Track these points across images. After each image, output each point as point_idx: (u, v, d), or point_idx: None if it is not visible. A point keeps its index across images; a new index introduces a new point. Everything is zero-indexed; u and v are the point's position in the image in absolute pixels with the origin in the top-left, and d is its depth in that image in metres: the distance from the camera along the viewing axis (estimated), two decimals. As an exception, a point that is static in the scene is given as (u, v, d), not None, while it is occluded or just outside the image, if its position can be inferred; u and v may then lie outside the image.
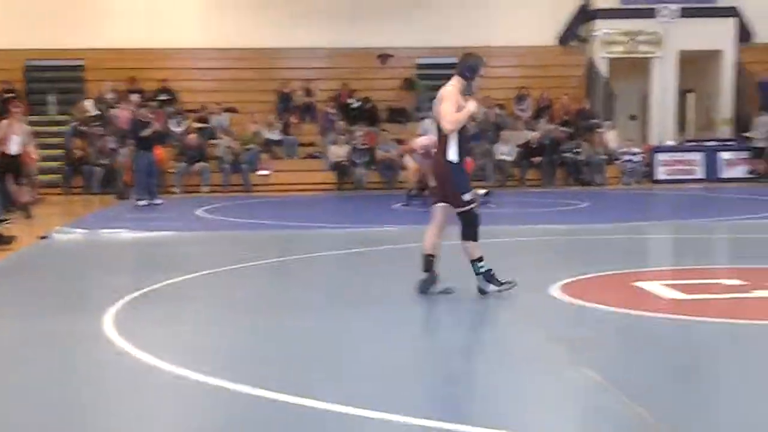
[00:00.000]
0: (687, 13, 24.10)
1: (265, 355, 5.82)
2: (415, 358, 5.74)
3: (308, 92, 24.10)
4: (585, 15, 25.08)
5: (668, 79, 24.59)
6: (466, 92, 7.47)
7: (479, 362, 5.60)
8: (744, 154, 22.85)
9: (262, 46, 24.39)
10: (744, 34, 24.83)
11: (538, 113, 23.92)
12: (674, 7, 24.12)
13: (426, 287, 7.55)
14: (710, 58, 24.76)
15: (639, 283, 7.96)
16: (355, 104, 23.94)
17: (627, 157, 22.54)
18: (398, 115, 23.90)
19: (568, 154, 22.54)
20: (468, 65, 7.48)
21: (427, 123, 19.56)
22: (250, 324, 6.72)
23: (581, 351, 5.77)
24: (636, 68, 24.92)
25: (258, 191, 20.98)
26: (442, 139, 7.44)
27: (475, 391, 4.94)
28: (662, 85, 24.58)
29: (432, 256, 7.58)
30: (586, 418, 4.50)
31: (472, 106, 7.32)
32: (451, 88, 7.42)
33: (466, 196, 7.39)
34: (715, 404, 4.66)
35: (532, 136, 22.56)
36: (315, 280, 9.09)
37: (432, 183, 7.89)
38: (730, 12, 24.41)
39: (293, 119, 23.55)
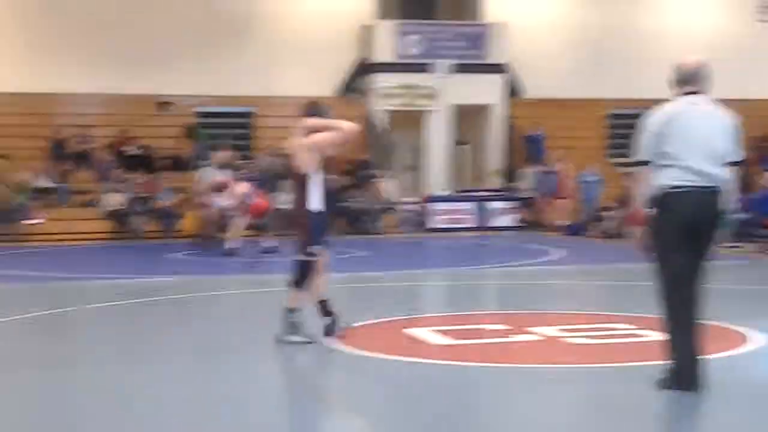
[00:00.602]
0: (460, 68, 25.12)
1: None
2: (186, 408, 5.65)
3: (84, 139, 23.43)
4: (363, 68, 25.71)
5: (442, 131, 25.51)
6: None
7: (249, 412, 5.58)
8: (513, 204, 23.95)
9: (35, 91, 23.54)
10: (513, 90, 26.15)
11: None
12: (448, 62, 25.11)
13: (332, 329, 7.69)
14: (482, 112, 25.89)
15: (409, 330, 8.17)
16: (133, 151, 23.49)
17: (404, 207, 23.16)
18: (177, 163, 23.62)
19: (347, 203, 22.91)
20: (319, 111, 7.92)
21: (208, 171, 19.41)
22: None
23: (352, 399, 5.86)
24: (413, 121, 25.72)
25: (30, 241, 20.12)
26: (302, 188, 7.52)
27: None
28: (437, 138, 25.46)
29: (324, 300, 7.74)
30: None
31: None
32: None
33: (315, 249, 7.50)
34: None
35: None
36: (76, 335, 8.79)
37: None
38: (500, 69, 25.64)
39: (68, 166, 22.81)
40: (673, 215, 5.78)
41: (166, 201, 22.10)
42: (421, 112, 25.55)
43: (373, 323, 8.76)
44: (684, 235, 5.76)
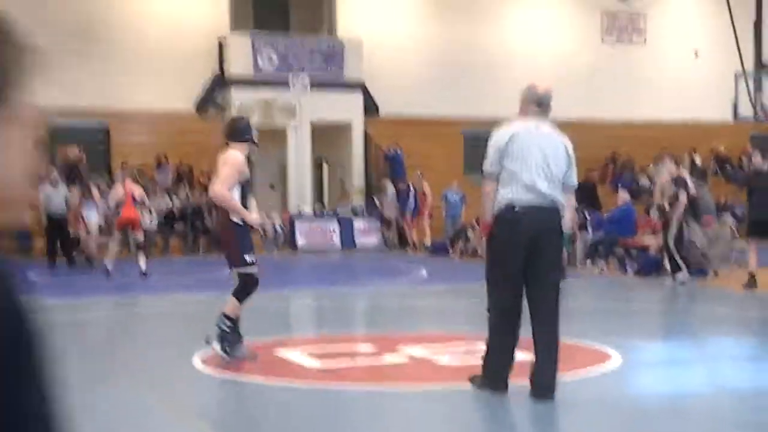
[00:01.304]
0: (317, 85, 25.08)
1: None
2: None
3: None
4: (221, 83, 25.49)
5: (303, 148, 25.52)
6: (250, 153, 7.68)
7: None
8: (376, 223, 24.06)
9: None
10: (370, 108, 26.38)
11: (179, 179, 23.89)
12: (305, 78, 25.03)
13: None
14: (341, 129, 26.04)
15: (281, 352, 8.17)
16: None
17: (266, 226, 23.05)
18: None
19: (210, 222, 22.66)
20: (241, 128, 7.75)
21: (48, 191, 18.55)
22: None
23: (222, 424, 5.84)
24: (273, 138, 25.62)
25: None
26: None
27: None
28: (298, 155, 25.47)
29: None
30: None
31: (255, 217, 7.47)
32: (239, 155, 7.53)
33: (248, 258, 7.47)
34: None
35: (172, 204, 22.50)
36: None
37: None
38: (357, 86, 25.85)
39: None
40: (510, 228, 6.12)
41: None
42: (281, 129, 25.49)
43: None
44: (520, 248, 6.10)
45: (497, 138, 6.32)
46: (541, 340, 6.20)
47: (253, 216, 7.61)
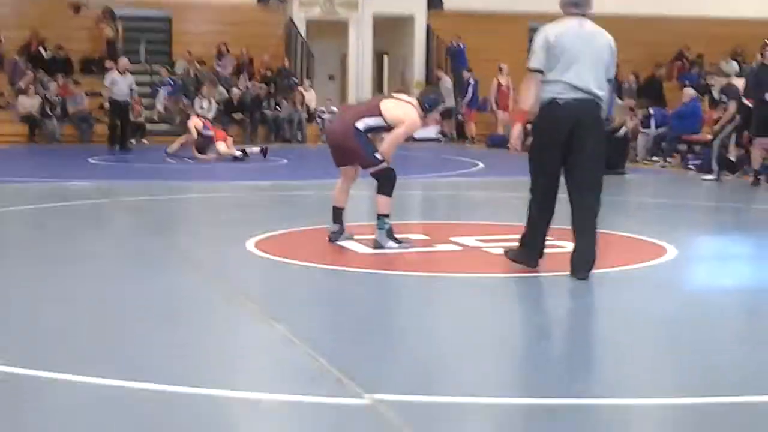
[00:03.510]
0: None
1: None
2: (106, 318, 5.63)
3: (-6, 41, 22.72)
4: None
5: (364, 41, 25.31)
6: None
7: (168, 318, 5.57)
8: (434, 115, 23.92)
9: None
10: (433, 2, 25.98)
11: (239, 70, 23.90)
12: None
13: (336, 237, 7.85)
14: (403, 23, 25.72)
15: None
16: (47, 54, 22.84)
17: (326, 116, 23.03)
18: (92, 67, 23.07)
19: (268, 112, 22.73)
20: (429, 99, 7.82)
21: (113, 76, 19.10)
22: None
23: (272, 305, 5.91)
24: (334, 30, 25.44)
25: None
26: (356, 113, 7.73)
27: (161, 348, 4.90)
28: (359, 48, 25.27)
29: (341, 209, 7.87)
30: (269, 371, 4.60)
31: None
32: (415, 114, 7.65)
33: (378, 156, 7.57)
34: (396, 353, 4.92)
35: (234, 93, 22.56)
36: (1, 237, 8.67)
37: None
38: (420, -21, 25.42)
39: (-22, 68, 22.16)
40: (553, 123, 6.43)
41: (80, 105, 21.68)
42: (342, 21, 25.26)
43: (297, 231, 8.79)
44: (560, 138, 6.41)
45: (542, 36, 6.51)
46: (580, 226, 6.45)
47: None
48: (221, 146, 17.00)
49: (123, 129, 19.44)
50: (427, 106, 7.84)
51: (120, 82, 19.25)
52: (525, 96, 6.64)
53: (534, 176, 6.63)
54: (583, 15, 6.60)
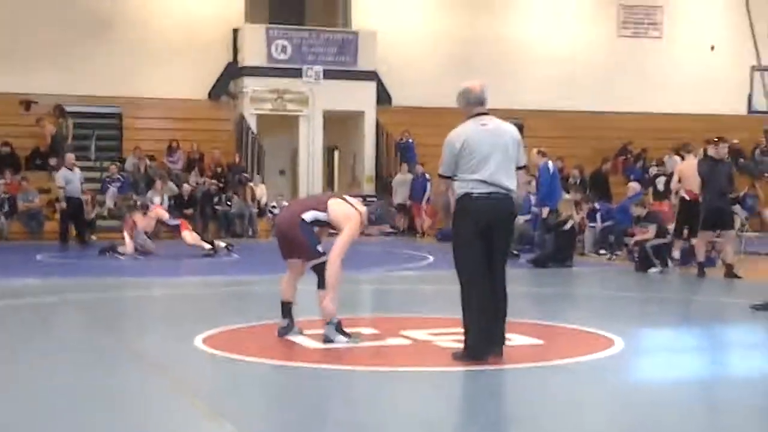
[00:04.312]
0: (330, 75, 25.28)
1: None
2: (48, 412, 5.53)
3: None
4: (234, 72, 25.55)
5: (315, 136, 25.58)
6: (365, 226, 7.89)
7: (111, 414, 5.48)
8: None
9: None
10: (382, 98, 26.41)
11: (189, 165, 23.96)
12: (318, 68, 25.21)
13: (285, 332, 7.87)
14: (354, 118, 26.07)
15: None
16: (-1, 151, 22.79)
17: (277, 211, 23.09)
18: (42, 164, 23.01)
19: (219, 207, 22.75)
20: (378, 214, 8.00)
21: (68, 174, 19.14)
22: None
23: (220, 402, 5.85)
24: (285, 124, 25.69)
25: None
26: (304, 206, 7.87)
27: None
28: (309, 143, 25.52)
29: (289, 303, 7.90)
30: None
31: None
32: (356, 222, 7.69)
33: (320, 248, 7.63)
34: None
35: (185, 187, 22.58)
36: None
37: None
38: (370, 76, 25.86)
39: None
40: (469, 216, 6.82)
41: (32, 202, 21.57)
42: (293, 116, 25.54)
43: (246, 326, 8.74)
44: (478, 233, 6.79)
45: (450, 141, 6.92)
46: (497, 311, 6.88)
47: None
48: (187, 236, 16.92)
49: (79, 225, 19.50)
50: (373, 218, 7.97)
51: (74, 180, 19.38)
52: (435, 200, 7.19)
53: (460, 271, 6.90)
54: (484, 114, 6.98)
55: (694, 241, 14.20)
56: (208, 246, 16.93)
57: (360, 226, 7.79)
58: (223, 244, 17.45)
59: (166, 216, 17.54)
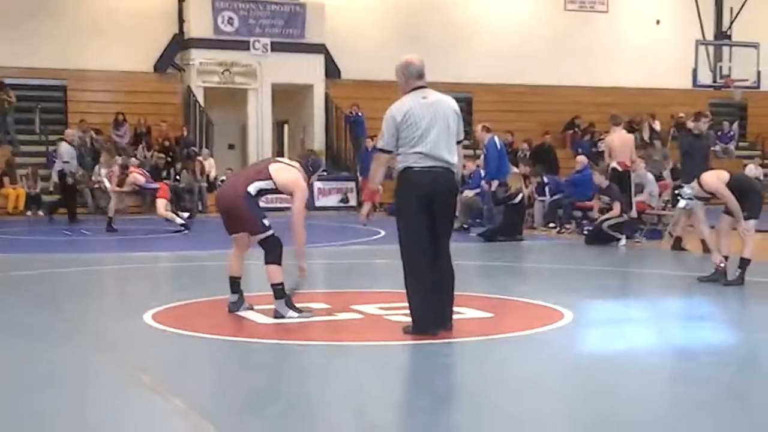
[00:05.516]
0: (278, 47, 25.07)
1: None
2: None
3: None
4: (180, 44, 25.24)
5: (264, 110, 25.39)
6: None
7: (58, 391, 5.42)
8: (336, 184, 24.09)
9: None
10: (331, 71, 26.27)
11: (137, 139, 23.68)
12: (266, 41, 24.97)
13: (235, 307, 7.80)
14: (302, 91, 25.91)
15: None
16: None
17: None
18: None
19: (168, 181, 22.51)
20: (313, 162, 8.01)
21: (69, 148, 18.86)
22: None
23: (170, 378, 5.81)
24: (233, 98, 25.47)
25: None
26: (246, 178, 7.75)
27: (47, 421, 4.77)
28: (258, 116, 25.34)
29: (238, 278, 7.84)
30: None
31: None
32: (302, 179, 7.72)
33: (265, 222, 7.59)
34: (291, 424, 4.88)
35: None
36: None
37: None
38: (319, 49, 25.69)
39: None
40: (411, 190, 6.80)
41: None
42: (241, 90, 25.32)
43: (196, 302, 8.68)
44: (420, 207, 6.77)
45: (391, 116, 6.86)
46: (443, 286, 6.87)
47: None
48: (160, 206, 16.52)
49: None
50: (310, 168, 7.98)
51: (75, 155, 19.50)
52: (374, 175, 7.09)
53: (404, 245, 6.89)
54: (423, 87, 6.93)
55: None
56: (179, 221, 16.53)
57: (304, 184, 7.79)
58: (186, 214, 17.15)
59: (141, 180, 16.92)
